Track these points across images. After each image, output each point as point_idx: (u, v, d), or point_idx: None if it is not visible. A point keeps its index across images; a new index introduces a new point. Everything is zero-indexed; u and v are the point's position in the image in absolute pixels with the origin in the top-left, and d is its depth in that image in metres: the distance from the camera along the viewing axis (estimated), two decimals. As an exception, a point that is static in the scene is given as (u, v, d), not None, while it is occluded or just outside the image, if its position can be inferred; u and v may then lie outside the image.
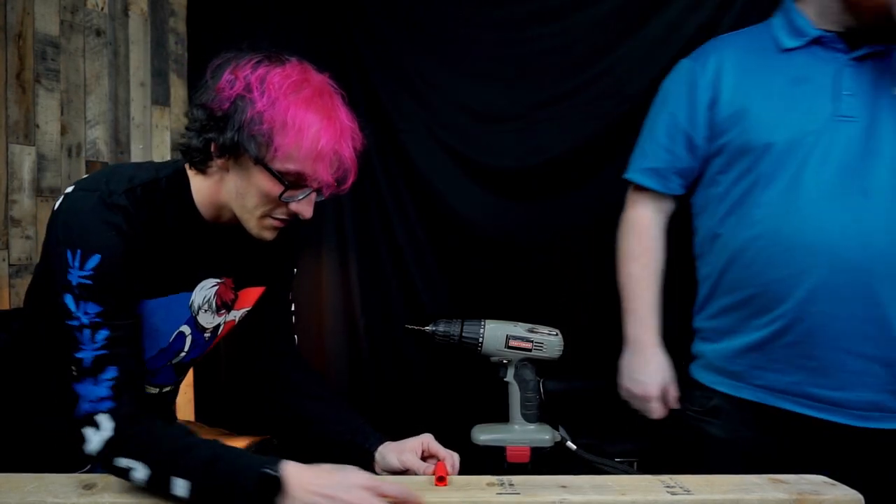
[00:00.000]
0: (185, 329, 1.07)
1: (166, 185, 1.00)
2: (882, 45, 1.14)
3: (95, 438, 0.90)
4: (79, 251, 0.89)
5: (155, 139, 2.56)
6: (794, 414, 1.18)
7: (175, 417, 1.30)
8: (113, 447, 0.89)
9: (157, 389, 1.12)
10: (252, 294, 1.17)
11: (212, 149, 0.96)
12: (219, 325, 1.12)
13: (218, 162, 0.97)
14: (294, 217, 1.00)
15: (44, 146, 2.11)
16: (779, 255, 1.17)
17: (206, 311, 1.08)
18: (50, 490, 0.91)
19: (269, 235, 1.02)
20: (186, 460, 0.88)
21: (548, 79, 2.34)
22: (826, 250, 1.11)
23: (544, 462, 2.19)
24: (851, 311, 1.10)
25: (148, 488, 0.90)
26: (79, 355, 0.90)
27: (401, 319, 2.53)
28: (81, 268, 0.89)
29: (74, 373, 0.91)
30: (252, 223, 1.00)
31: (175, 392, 1.20)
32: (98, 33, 2.30)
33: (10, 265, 2.04)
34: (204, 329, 1.09)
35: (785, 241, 1.16)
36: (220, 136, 0.93)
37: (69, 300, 0.90)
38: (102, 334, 0.90)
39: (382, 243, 2.51)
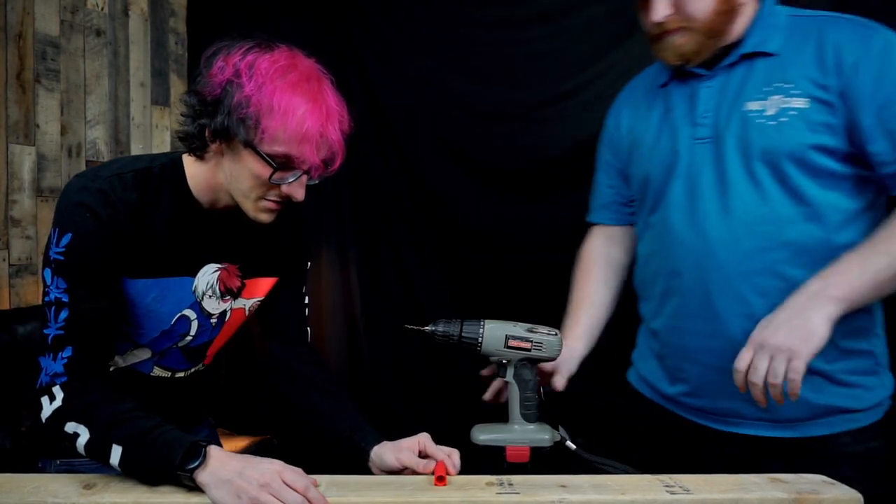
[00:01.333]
0: (190, 313, 1.09)
1: (160, 171, 1.04)
2: (730, 60, 1.14)
3: (49, 407, 0.95)
4: (57, 229, 0.96)
5: (155, 139, 2.56)
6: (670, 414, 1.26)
7: (201, 410, 1.29)
8: (62, 414, 0.95)
9: (170, 374, 1.14)
10: (262, 284, 1.18)
11: (206, 134, 0.99)
12: (225, 312, 1.14)
13: (213, 147, 1.00)
14: (288, 199, 1.02)
15: (44, 146, 2.11)
16: (652, 277, 1.26)
17: (210, 296, 1.10)
18: (50, 490, 0.91)
19: (266, 218, 1.03)
20: (124, 428, 0.93)
21: (548, 79, 2.34)
22: (679, 272, 1.18)
23: (544, 462, 2.19)
24: (700, 327, 1.16)
25: (88, 453, 0.94)
26: (45, 331, 0.97)
27: (401, 319, 2.52)
28: (57, 245, 0.96)
29: (41, 349, 0.98)
30: (248, 206, 1.02)
31: (194, 382, 1.20)
32: (98, 33, 2.30)
33: (10, 265, 2.04)
34: (210, 314, 1.11)
35: (656, 265, 1.25)
36: (211, 120, 0.96)
37: (47, 274, 0.97)
38: (63, 315, 0.96)
39: (382, 243, 2.51)
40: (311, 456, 1.17)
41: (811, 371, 1.03)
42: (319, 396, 1.19)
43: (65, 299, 0.96)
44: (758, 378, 0.97)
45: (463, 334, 1.14)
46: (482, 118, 2.39)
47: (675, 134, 1.20)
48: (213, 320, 1.13)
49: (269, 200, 1.02)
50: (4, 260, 2.02)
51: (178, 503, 0.89)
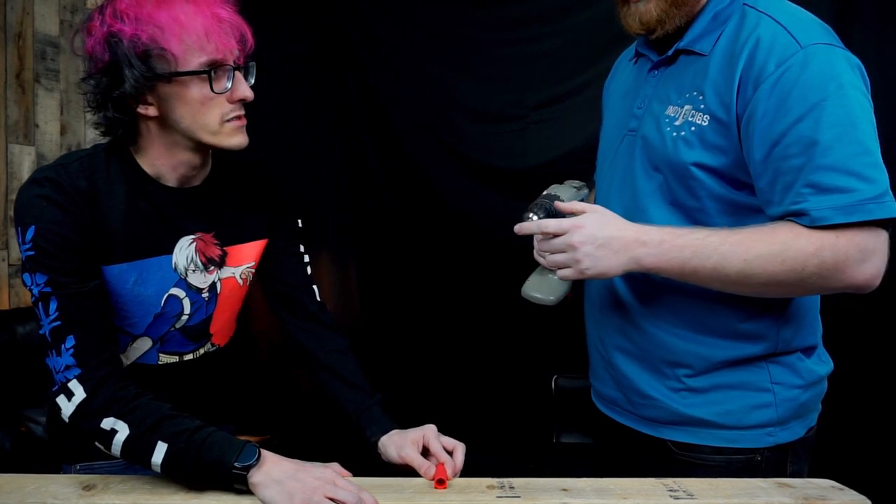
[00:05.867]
0: (178, 292, 1.06)
1: (105, 154, 1.01)
2: (668, 53, 1.07)
3: (69, 405, 0.92)
4: (20, 228, 0.94)
5: (155, 139, 2.55)
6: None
7: (220, 408, 1.24)
8: (92, 409, 0.91)
9: (177, 358, 1.11)
10: (247, 250, 1.15)
11: (129, 104, 0.95)
12: (214, 283, 1.11)
13: (146, 112, 0.96)
14: (243, 102, 0.99)
15: (43, 146, 2.11)
16: None
17: (193, 270, 1.07)
18: (50, 491, 0.90)
19: (241, 139, 1.00)
20: (170, 426, 0.91)
21: (548, 79, 2.34)
22: None
23: (546, 463, 2.18)
24: (591, 314, 1.19)
25: (124, 452, 0.91)
26: (41, 332, 0.94)
27: (401, 319, 2.53)
28: (24, 241, 0.93)
29: (44, 350, 0.94)
30: (218, 139, 0.99)
31: (207, 366, 1.16)
32: (98, 33, 2.29)
33: (9, 265, 2.03)
34: (199, 289, 1.09)
35: None
36: (123, 84, 0.92)
37: (26, 277, 0.94)
38: (53, 306, 0.92)
39: (382, 243, 2.51)
40: (312, 457, 1.16)
41: (680, 380, 1.05)
42: (328, 376, 1.19)
43: (49, 290, 0.93)
44: (544, 259, 1.03)
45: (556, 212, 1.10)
46: (482, 118, 2.39)
47: (620, 120, 1.17)
48: (205, 294, 1.10)
49: (232, 119, 0.99)
50: (4, 260, 2.02)
51: (177, 505, 0.89)
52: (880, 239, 0.91)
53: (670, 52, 1.06)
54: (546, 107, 2.34)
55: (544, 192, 1.14)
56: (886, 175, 0.90)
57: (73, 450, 1.08)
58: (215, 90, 0.95)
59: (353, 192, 2.52)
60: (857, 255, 0.89)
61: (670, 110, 1.04)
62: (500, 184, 2.39)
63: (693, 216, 1.02)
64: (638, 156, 1.08)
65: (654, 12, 1.03)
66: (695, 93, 1.01)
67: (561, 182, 1.20)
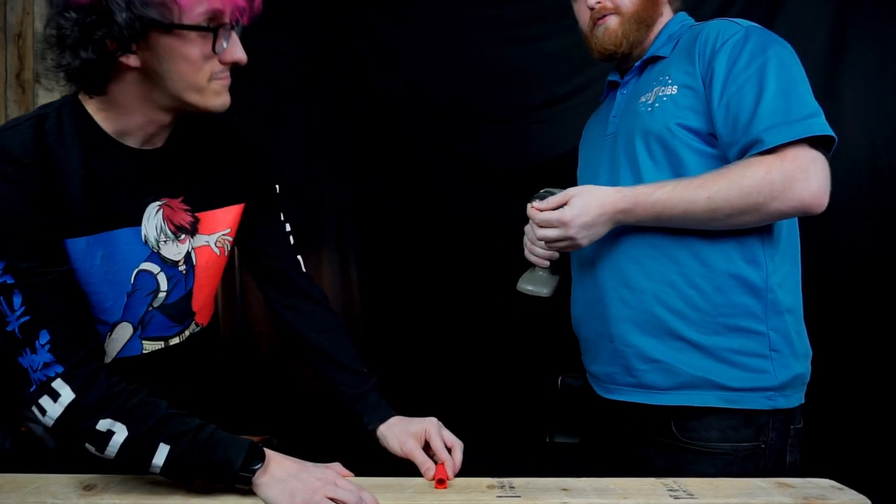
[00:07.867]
0: (151, 267, 0.98)
1: (56, 114, 0.91)
2: (637, 64, 1.28)
3: (55, 406, 0.84)
4: None
5: (155, 139, 2.55)
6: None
7: (206, 379, 1.18)
8: (84, 409, 0.84)
9: (162, 343, 1.04)
10: (222, 215, 1.07)
11: (110, 48, 0.83)
12: (189, 253, 1.02)
13: (127, 61, 0.85)
14: (235, 65, 0.92)
15: (44, 146, 2.11)
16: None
17: (164, 241, 0.99)
18: (50, 490, 0.91)
19: (224, 100, 0.93)
20: (171, 426, 0.87)
21: (548, 79, 2.33)
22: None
23: (546, 463, 2.18)
24: (588, 295, 1.28)
25: (121, 454, 0.86)
26: (8, 329, 0.85)
27: (402, 319, 2.53)
28: None
29: (15, 349, 0.86)
30: (202, 99, 0.91)
31: (191, 346, 1.08)
32: (98, 33, 2.29)
33: (9, 265, 2.03)
34: (174, 262, 1.01)
35: None
36: (111, 27, 0.81)
37: None
38: (17, 300, 0.83)
39: (382, 243, 2.51)
40: (313, 457, 1.16)
41: (682, 338, 1.14)
42: (322, 361, 1.16)
43: (10, 281, 0.83)
44: (534, 257, 1.27)
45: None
46: (482, 118, 2.39)
47: (599, 132, 1.35)
48: (182, 268, 1.02)
49: (219, 78, 0.91)
50: (4, 260, 2.01)
51: (177, 504, 0.89)
52: (819, 161, 1.05)
53: (638, 64, 1.28)
54: (547, 107, 2.34)
55: (541, 191, 1.28)
56: (820, 108, 1.07)
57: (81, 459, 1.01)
58: (216, 50, 0.87)
59: (353, 192, 2.52)
60: (800, 175, 1.03)
61: (642, 98, 1.22)
62: (501, 184, 2.39)
63: (676, 172, 1.14)
64: (620, 141, 1.24)
65: (618, 30, 1.27)
66: (661, 77, 1.20)
67: (552, 187, 1.31)
